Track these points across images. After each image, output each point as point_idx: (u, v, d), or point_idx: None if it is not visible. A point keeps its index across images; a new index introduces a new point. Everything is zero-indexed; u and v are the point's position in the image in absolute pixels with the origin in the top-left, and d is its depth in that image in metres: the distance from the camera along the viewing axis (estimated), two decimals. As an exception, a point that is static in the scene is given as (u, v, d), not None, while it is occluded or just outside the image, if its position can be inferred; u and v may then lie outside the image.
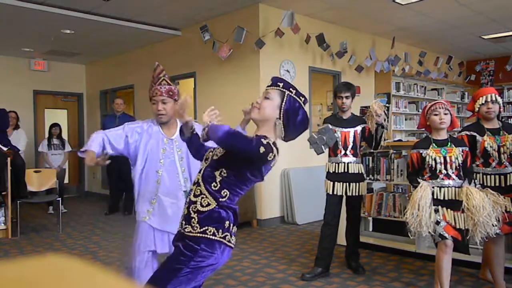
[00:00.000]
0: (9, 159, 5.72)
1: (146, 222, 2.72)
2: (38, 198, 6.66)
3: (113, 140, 2.65)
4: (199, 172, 2.02)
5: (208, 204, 1.91)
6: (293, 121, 2.01)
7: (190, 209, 1.93)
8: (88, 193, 9.83)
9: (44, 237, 5.84)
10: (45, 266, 0.43)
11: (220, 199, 1.92)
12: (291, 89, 2.04)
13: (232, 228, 1.97)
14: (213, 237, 1.88)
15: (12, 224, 5.85)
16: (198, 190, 1.95)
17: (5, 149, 5.80)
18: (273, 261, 4.52)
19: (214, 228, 1.89)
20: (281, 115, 1.99)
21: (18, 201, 6.00)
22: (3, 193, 5.73)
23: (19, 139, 6.87)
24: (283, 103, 1.99)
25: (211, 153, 2.04)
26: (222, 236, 1.90)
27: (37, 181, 6.42)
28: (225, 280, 3.92)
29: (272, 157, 1.87)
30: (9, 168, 5.69)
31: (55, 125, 7.74)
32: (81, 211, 7.72)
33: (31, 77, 9.26)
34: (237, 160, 1.90)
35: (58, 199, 6.41)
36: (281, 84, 2.04)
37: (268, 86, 2.07)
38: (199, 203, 1.92)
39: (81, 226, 6.41)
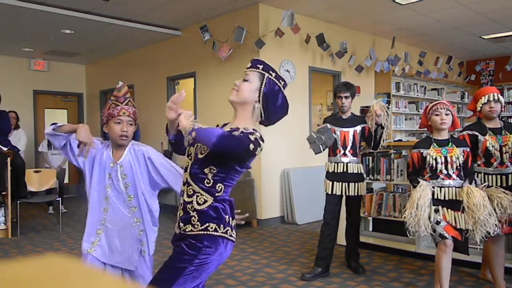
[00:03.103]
0: (9, 159, 5.72)
1: (92, 255, 2.45)
2: (38, 198, 6.65)
3: (74, 145, 2.38)
4: (185, 171, 1.96)
5: (205, 201, 1.87)
6: (273, 105, 1.97)
7: (187, 209, 1.89)
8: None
9: (44, 237, 5.83)
10: (45, 266, 0.43)
11: (216, 194, 1.88)
12: (270, 71, 1.98)
13: (232, 222, 1.94)
14: (215, 233, 1.85)
15: (12, 224, 5.85)
16: (191, 190, 1.90)
17: (5, 149, 5.80)
18: (273, 261, 4.52)
19: (215, 224, 1.86)
20: (260, 98, 1.95)
21: (18, 201, 6.00)
22: (3, 193, 5.73)
23: (19, 139, 6.87)
24: (263, 86, 1.95)
25: (193, 148, 1.96)
26: (224, 231, 1.87)
27: (37, 181, 6.42)
28: (225, 280, 3.92)
29: (260, 151, 1.85)
30: (9, 168, 5.69)
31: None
32: (81, 211, 7.71)
33: (31, 77, 9.27)
34: (224, 158, 1.88)
35: (58, 199, 6.41)
36: (260, 66, 1.98)
37: (247, 68, 2.01)
38: (195, 202, 1.87)
39: (81, 226, 6.37)
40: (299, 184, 6.36)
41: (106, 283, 0.42)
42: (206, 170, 1.88)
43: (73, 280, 0.42)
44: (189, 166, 1.94)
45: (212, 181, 1.88)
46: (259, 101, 1.95)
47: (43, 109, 9.64)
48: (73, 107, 10.18)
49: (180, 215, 1.93)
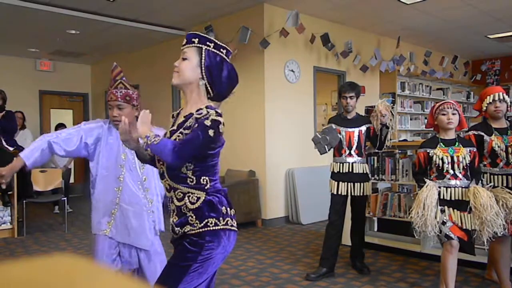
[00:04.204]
0: (15, 159, 5.74)
1: (107, 236, 2.47)
2: (44, 197, 6.69)
3: (63, 141, 2.42)
4: (162, 178, 1.89)
5: (198, 199, 1.80)
6: (218, 77, 1.85)
7: (182, 211, 1.82)
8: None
9: (49, 236, 5.86)
10: (52, 266, 0.44)
11: (206, 187, 1.82)
12: (208, 42, 1.85)
13: (230, 211, 1.87)
14: (216, 227, 1.80)
15: (18, 224, 5.89)
16: (179, 193, 1.83)
17: (11, 149, 5.84)
18: (278, 261, 4.51)
19: (214, 219, 1.80)
20: (203, 74, 1.84)
21: (24, 201, 6.04)
22: (9, 192, 5.76)
23: (25, 139, 6.91)
24: (202, 60, 1.83)
25: None
26: (224, 223, 1.82)
27: (43, 181, 6.45)
28: (230, 280, 3.93)
29: (223, 126, 1.79)
30: (15, 168, 5.72)
31: (60, 125, 7.78)
32: (87, 210, 7.73)
33: (37, 78, 9.32)
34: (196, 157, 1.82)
35: (63, 198, 6.44)
36: (196, 40, 1.85)
37: (183, 45, 1.88)
38: (188, 202, 1.81)
39: (87, 225, 6.42)
40: (304, 184, 6.35)
41: (113, 282, 0.43)
42: (184, 169, 1.81)
43: (80, 280, 0.42)
44: (164, 172, 1.87)
45: (194, 178, 1.81)
46: (202, 78, 1.85)
47: (49, 109, 9.69)
48: (79, 107, 10.22)
49: (175, 220, 1.86)
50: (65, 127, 7.80)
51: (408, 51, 8.10)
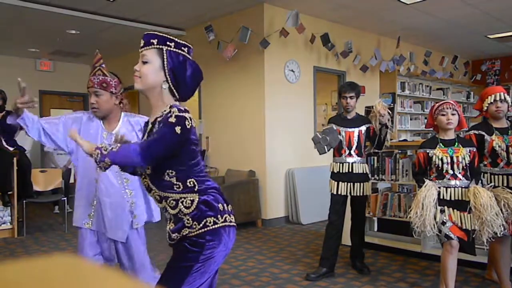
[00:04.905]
0: (15, 159, 5.75)
1: (88, 229, 2.49)
2: (44, 197, 6.68)
3: (50, 131, 2.41)
4: (150, 191, 1.83)
5: (192, 201, 1.75)
6: (183, 78, 1.77)
7: (179, 217, 1.77)
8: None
9: (49, 236, 5.86)
10: (52, 265, 0.44)
11: (195, 189, 1.77)
12: (168, 42, 1.76)
13: (227, 207, 1.83)
14: (216, 226, 1.76)
15: (18, 224, 5.89)
16: (172, 202, 1.77)
17: (11, 149, 5.84)
18: (278, 261, 4.52)
19: (212, 218, 1.76)
20: (167, 77, 1.75)
21: (24, 201, 6.03)
22: (9, 192, 5.76)
23: (26, 139, 6.90)
24: (165, 62, 1.75)
25: (139, 167, 1.85)
26: (223, 220, 1.78)
27: (43, 181, 6.45)
28: (230, 280, 3.93)
29: (190, 123, 1.70)
30: (15, 168, 5.73)
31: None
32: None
33: (37, 77, 9.31)
34: (167, 159, 1.75)
35: (63, 198, 6.44)
36: (155, 41, 1.75)
37: (141, 47, 1.79)
38: (183, 207, 1.75)
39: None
40: (304, 184, 6.35)
41: (113, 282, 0.43)
42: (166, 178, 1.76)
43: (80, 280, 0.42)
44: (148, 183, 1.82)
45: (180, 183, 1.76)
46: (167, 80, 1.76)
47: (49, 109, 9.70)
48: (79, 107, 10.22)
49: (171, 227, 1.81)
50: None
51: (408, 51, 8.10)
